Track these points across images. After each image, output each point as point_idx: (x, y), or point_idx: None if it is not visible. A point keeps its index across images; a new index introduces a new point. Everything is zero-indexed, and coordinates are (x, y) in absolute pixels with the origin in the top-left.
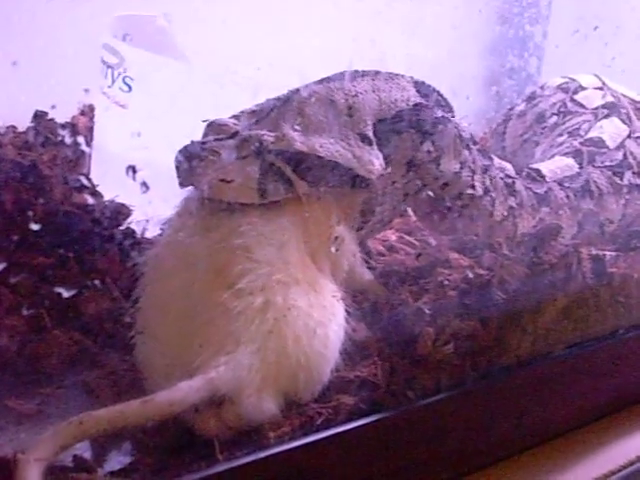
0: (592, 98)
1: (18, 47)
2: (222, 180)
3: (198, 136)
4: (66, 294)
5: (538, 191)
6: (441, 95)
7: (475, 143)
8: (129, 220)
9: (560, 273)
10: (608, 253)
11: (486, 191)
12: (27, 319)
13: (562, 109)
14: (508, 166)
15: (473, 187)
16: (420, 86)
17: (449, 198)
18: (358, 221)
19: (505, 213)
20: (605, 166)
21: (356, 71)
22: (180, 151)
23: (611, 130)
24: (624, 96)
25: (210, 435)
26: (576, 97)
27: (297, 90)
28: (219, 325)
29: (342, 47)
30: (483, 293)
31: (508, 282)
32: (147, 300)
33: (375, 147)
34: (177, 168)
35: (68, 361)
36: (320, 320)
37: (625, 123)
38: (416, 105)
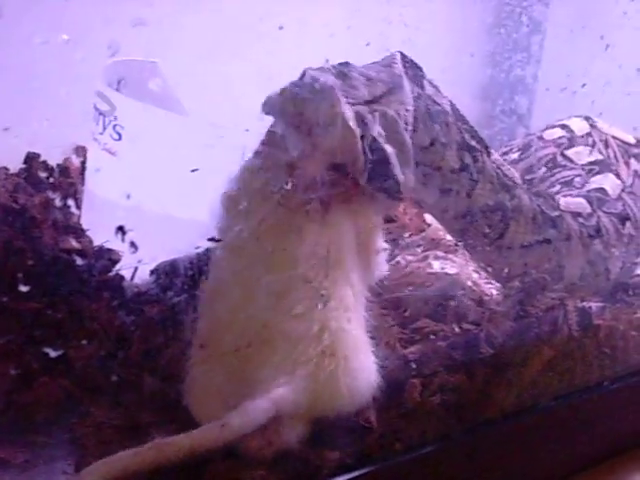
0: (582, 154)
1: (11, 89)
2: None
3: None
4: (55, 340)
5: (548, 212)
6: (415, 66)
7: (463, 121)
8: (118, 266)
9: (546, 325)
10: (594, 304)
11: (463, 168)
12: (15, 366)
13: (551, 162)
14: (515, 173)
15: (443, 157)
16: (405, 65)
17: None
18: None
19: (490, 203)
20: (611, 213)
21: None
22: None
23: (609, 183)
24: (614, 138)
25: (253, 452)
26: (567, 152)
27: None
28: (279, 347)
29: None
30: (470, 346)
31: (495, 335)
32: (208, 318)
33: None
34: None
35: (57, 410)
36: (364, 342)
37: (619, 178)
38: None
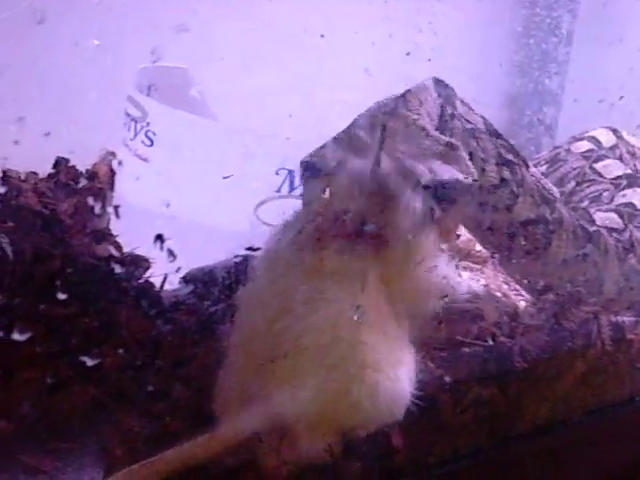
0: (611, 167)
1: (44, 93)
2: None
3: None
4: (90, 349)
5: (587, 227)
6: (447, 87)
7: (498, 136)
8: (148, 273)
9: (579, 340)
10: (627, 319)
11: (502, 183)
12: (44, 372)
13: (580, 176)
14: (554, 188)
15: (482, 173)
16: (437, 86)
17: None
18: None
19: (532, 216)
20: None
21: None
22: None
23: (637, 197)
24: None
25: (270, 468)
26: (595, 166)
27: (381, 129)
28: (287, 359)
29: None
30: (503, 360)
31: (528, 350)
32: (244, 328)
33: (462, 148)
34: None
35: (87, 418)
36: (388, 359)
37: None
38: (442, 107)
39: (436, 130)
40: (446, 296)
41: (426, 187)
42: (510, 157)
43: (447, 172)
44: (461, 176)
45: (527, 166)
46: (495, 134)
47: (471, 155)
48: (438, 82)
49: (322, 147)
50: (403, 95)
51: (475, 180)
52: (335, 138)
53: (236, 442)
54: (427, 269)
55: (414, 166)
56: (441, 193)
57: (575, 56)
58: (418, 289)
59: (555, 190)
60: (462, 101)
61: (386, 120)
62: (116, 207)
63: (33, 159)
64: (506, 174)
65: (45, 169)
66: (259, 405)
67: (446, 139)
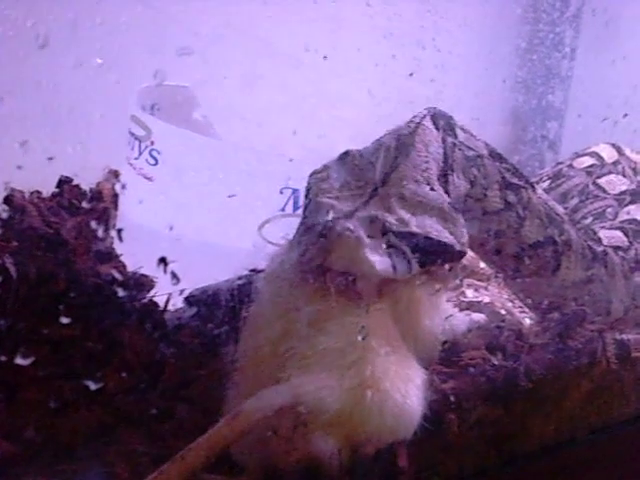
0: (615, 183)
1: (45, 113)
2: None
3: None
4: (94, 372)
5: (594, 247)
6: (446, 116)
7: (501, 160)
8: (151, 293)
9: (585, 358)
10: (632, 337)
11: (508, 205)
12: (48, 395)
13: (584, 192)
14: (560, 208)
15: (485, 198)
16: (435, 118)
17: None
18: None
19: (540, 239)
20: None
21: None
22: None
23: None
24: None
25: (280, 456)
26: (599, 181)
27: (389, 171)
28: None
29: (370, 124)
30: (509, 379)
31: (534, 369)
32: (249, 349)
33: (460, 213)
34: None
35: (88, 436)
36: (398, 373)
37: None
38: (443, 140)
39: (441, 172)
40: (446, 342)
41: (398, 235)
42: (515, 180)
43: (437, 232)
44: (450, 240)
45: (533, 188)
46: (498, 158)
47: (472, 183)
48: (436, 113)
49: (325, 167)
50: (412, 143)
51: (463, 252)
52: (341, 161)
53: (260, 418)
54: (426, 318)
55: (398, 213)
56: (422, 248)
57: (578, 72)
58: (419, 338)
59: (562, 210)
60: (463, 128)
61: (397, 161)
62: (119, 230)
63: (36, 183)
64: (511, 198)
65: (48, 193)
66: (281, 385)
67: (448, 200)
